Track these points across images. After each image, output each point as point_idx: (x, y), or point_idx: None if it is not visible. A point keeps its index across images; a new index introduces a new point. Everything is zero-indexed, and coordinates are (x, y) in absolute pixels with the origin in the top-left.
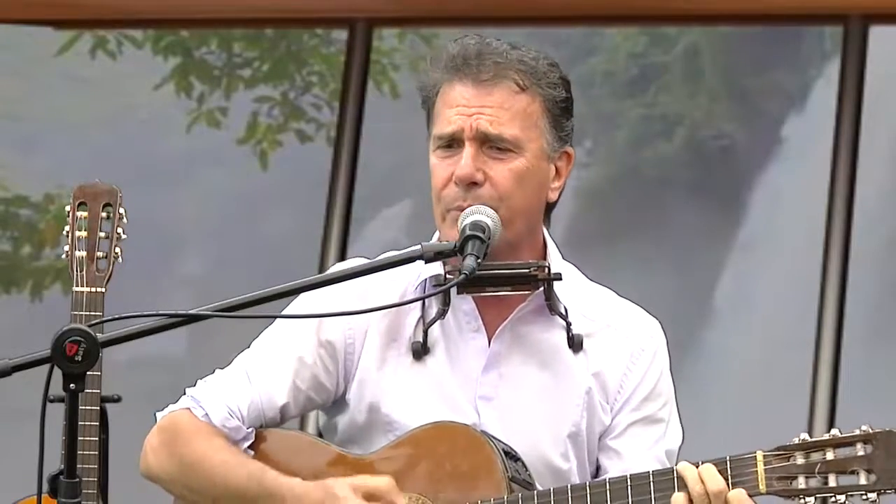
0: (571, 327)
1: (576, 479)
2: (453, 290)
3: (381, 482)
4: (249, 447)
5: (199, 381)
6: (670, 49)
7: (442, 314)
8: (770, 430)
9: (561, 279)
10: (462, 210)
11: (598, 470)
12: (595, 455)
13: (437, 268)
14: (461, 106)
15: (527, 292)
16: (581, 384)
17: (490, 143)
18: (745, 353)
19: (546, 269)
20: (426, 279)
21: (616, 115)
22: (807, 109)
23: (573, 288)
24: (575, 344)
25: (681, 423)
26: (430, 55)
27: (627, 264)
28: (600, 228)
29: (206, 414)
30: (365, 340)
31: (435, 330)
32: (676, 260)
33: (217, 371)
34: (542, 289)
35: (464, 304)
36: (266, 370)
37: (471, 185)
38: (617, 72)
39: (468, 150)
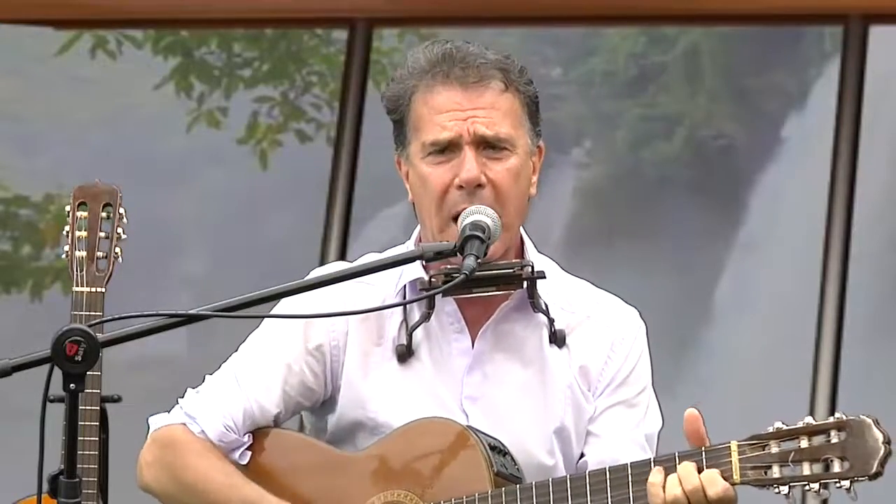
0: (554, 323)
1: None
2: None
3: None
4: (247, 448)
5: (188, 391)
6: (670, 49)
7: (427, 317)
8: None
9: (545, 277)
10: None
11: (581, 456)
12: (582, 449)
13: (417, 271)
14: (454, 111)
15: (510, 291)
16: (565, 379)
17: (486, 145)
18: (745, 352)
19: (530, 268)
20: (406, 284)
21: (616, 115)
22: (807, 109)
23: (552, 282)
24: (558, 339)
25: (661, 412)
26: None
27: (627, 264)
28: (600, 228)
29: (203, 430)
30: (347, 343)
31: (419, 332)
32: (676, 260)
33: (207, 379)
34: (524, 287)
35: (446, 306)
36: (256, 379)
37: (475, 187)
38: (617, 72)
39: (469, 153)
